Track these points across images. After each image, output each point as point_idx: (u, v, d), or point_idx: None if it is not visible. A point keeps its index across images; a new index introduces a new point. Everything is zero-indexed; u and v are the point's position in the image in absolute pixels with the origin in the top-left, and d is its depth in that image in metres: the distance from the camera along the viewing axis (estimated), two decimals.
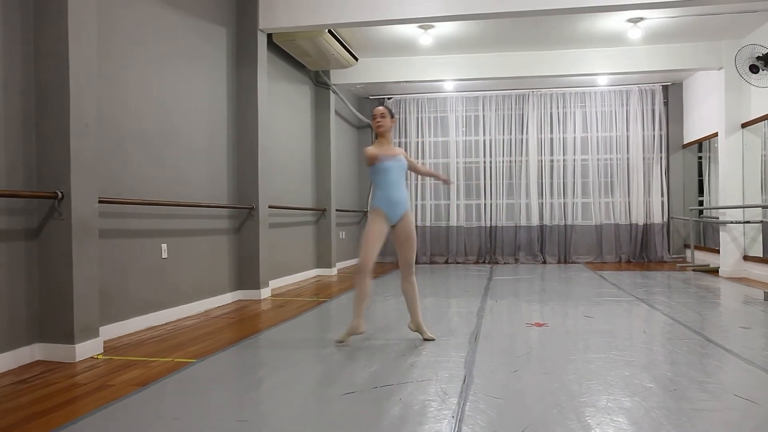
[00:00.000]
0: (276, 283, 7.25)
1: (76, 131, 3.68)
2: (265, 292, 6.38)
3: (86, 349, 3.71)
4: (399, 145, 11.10)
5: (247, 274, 6.28)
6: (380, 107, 4.12)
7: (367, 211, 11.13)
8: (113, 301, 4.32)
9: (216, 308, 5.67)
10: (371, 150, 4.06)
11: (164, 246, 4.96)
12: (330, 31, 7.04)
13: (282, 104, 7.57)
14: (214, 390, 2.98)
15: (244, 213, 6.27)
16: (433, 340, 4.08)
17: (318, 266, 8.87)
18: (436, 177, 4.58)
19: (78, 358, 3.63)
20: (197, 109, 5.53)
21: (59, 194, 3.61)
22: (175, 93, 5.18)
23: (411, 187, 11.00)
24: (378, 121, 4.09)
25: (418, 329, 4.13)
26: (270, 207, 6.76)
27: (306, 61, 7.92)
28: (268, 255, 6.60)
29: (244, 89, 6.29)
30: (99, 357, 3.73)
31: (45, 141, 3.65)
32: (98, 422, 2.54)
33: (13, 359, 3.48)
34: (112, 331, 4.28)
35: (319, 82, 8.84)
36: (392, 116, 4.17)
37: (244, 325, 4.83)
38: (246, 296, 6.26)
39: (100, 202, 3.99)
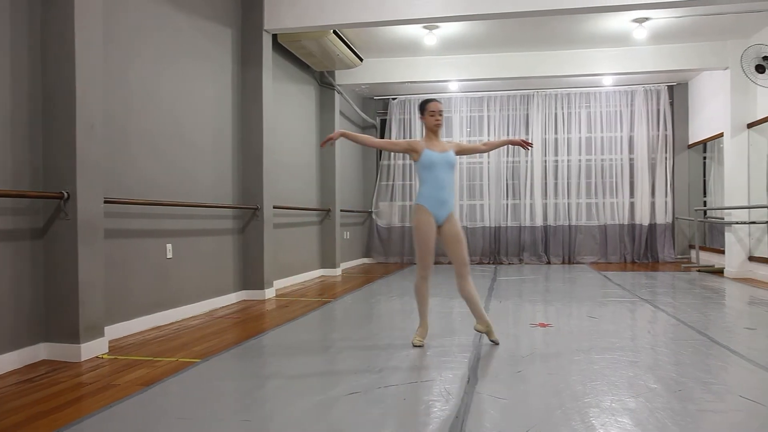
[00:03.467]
0: (280, 284, 7.26)
1: (82, 132, 3.69)
2: (269, 292, 6.39)
3: (91, 349, 3.73)
4: None
5: (251, 274, 6.29)
6: (439, 102, 3.93)
7: (371, 212, 11.14)
8: (118, 301, 4.34)
9: (221, 308, 5.68)
10: (419, 143, 3.90)
11: (169, 246, 4.98)
12: (335, 32, 7.04)
13: (287, 105, 7.59)
14: (219, 390, 2.99)
15: (248, 213, 6.28)
16: (497, 343, 3.92)
17: (322, 266, 8.88)
18: (511, 143, 4.18)
19: (83, 358, 3.64)
20: (202, 110, 5.55)
21: (65, 194, 3.63)
22: (180, 93, 5.19)
23: (415, 187, 11.01)
24: (438, 119, 3.89)
25: (487, 330, 3.96)
26: (274, 207, 6.77)
27: (311, 61, 7.93)
28: (273, 255, 6.61)
29: (249, 90, 6.31)
30: (104, 356, 3.75)
31: (51, 141, 3.67)
32: (103, 422, 2.55)
33: (19, 359, 3.49)
34: (117, 330, 4.29)
35: (324, 83, 8.86)
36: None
37: (248, 325, 4.84)
38: (250, 296, 6.28)
39: (105, 202, 4.00)
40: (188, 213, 5.28)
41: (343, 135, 3.88)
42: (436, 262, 10.74)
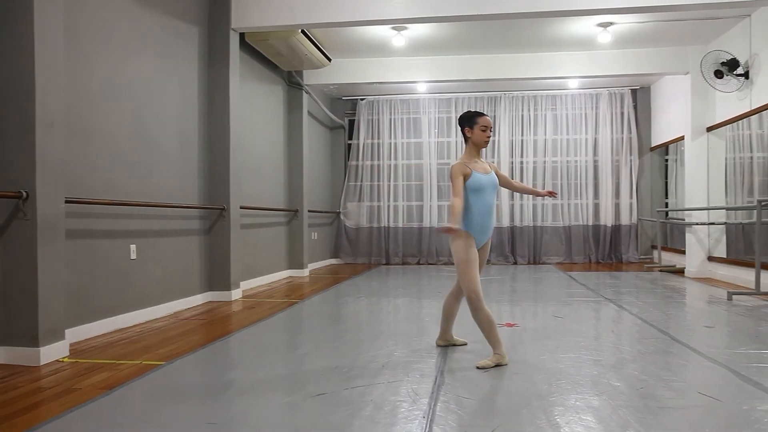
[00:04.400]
0: (247, 285, 7.20)
1: (42, 130, 3.60)
2: (236, 294, 6.32)
3: (51, 352, 3.64)
4: (372, 147, 11.11)
5: (217, 276, 6.22)
6: (488, 117, 3.63)
7: (339, 213, 11.11)
8: (80, 303, 4.24)
9: (186, 310, 5.60)
10: (463, 167, 3.48)
11: (133, 247, 4.89)
12: (303, 32, 7.01)
13: (254, 104, 7.52)
14: (184, 392, 2.94)
15: (215, 214, 6.21)
16: (465, 344, 3.94)
17: (290, 267, 8.83)
18: (536, 193, 3.95)
19: (43, 362, 3.55)
20: (168, 109, 5.46)
21: (24, 194, 3.53)
22: (145, 92, 5.11)
23: (383, 188, 11.02)
24: (489, 136, 3.58)
25: (449, 343, 3.94)
26: (242, 208, 6.70)
27: (279, 61, 7.88)
28: (240, 256, 6.54)
29: (215, 89, 6.23)
30: (65, 360, 3.66)
31: (8, 139, 3.57)
32: (63, 426, 2.49)
33: None
34: (78, 333, 4.20)
35: (292, 83, 8.81)
36: None
37: (214, 326, 4.78)
38: (217, 297, 6.20)
39: (66, 202, 3.91)
40: (153, 213, 5.19)
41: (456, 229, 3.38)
42: (405, 263, 10.77)
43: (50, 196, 3.67)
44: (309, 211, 9.32)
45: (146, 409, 2.71)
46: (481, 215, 3.50)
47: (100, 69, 4.52)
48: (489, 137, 3.59)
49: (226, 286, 6.21)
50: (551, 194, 3.89)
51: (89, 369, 3.44)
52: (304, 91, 8.89)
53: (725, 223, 7.83)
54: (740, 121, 7.44)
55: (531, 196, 10.63)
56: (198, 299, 5.96)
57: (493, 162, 3.45)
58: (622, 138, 10.61)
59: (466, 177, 3.48)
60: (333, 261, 11.15)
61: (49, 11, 3.68)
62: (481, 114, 3.59)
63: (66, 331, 3.87)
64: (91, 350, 3.92)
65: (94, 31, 4.47)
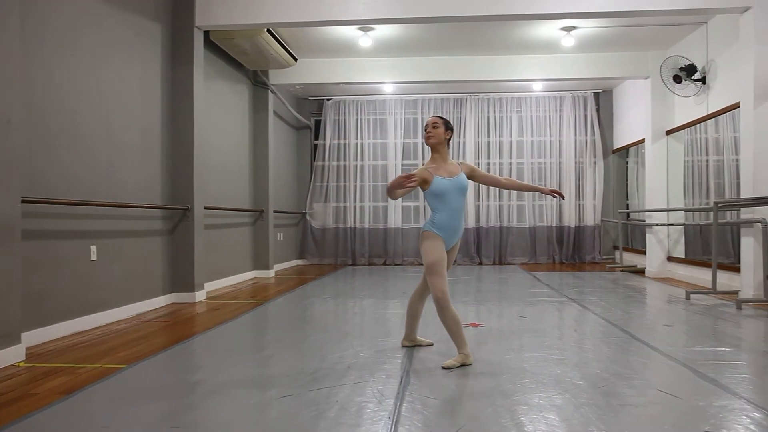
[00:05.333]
0: (212, 286, 7.10)
1: None
2: (200, 295, 6.24)
3: (6, 357, 3.53)
4: (338, 147, 11.08)
5: (181, 277, 6.12)
6: (435, 116, 3.58)
7: (305, 213, 11.06)
8: (37, 306, 4.13)
9: (148, 312, 5.50)
10: (423, 172, 3.47)
11: (93, 248, 4.78)
12: (269, 31, 6.96)
13: (219, 103, 7.43)
14: (146, 396, 2.89)
15: (178, 214, 6.11)
16: (431, 344, 3.96)
17: (255, 268, 8.74)
18: (540, 190, 3.77)
19: None
20: (130, 107, 5.36)
21: None
22: (106, 90, 5.00)
23: (349, 188, 11.01)
24: (428, 132, 3.54)
25: (415, 343, 3.93)
26: (206, 208, 6.62)
27: (244, 60, 7.80)
28: (204, 257, 6.46)
29: (179, 87, 6.14)
30: (20, 365, 3.56)
31: None
32: None
33: None
34: (35, 336, 4.09)
35: (258, 82, 8.73)
36: (448, 128, 3.59)
37: (177, 328, 4.70)
38: (180, 299, 6.11)
39: (23, 201, 3.81)
40: (114, 213, 5.09)
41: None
42: (371, 264, 10.77)
43: (5, 196, 3.57)
44: (275, 211, 9.25)
45: (107, 413, 2.65)
46: (449, 218, 3.50)
47: (60, 66, 4.41)
48: (428, 134, 3.55)
49: (190, 288, 6.12)
50: (555, 193, 3.74)
51: (47, 373, 3.35)
52: (269, 91, 8.82)
53: (684, 224, 8.04)
54: (698, 125, 7.64)
55: (502, 194, 10.76)
56: (161, 301, 5.86)
57: (462, 162, 3.37)
58: (585, 140, 10.79)
59: (427, 183, 3.48)
60: (299, 262, 11.09)
61: (4, 5, 3.57)
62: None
63: (22, 334, 3.77)
64: (49, 354, 3.82)
65: (54, 28, 4.35)
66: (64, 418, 2.59)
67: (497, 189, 10.77)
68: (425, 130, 3.58)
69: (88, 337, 4.35)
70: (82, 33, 4.69)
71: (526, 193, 10.78)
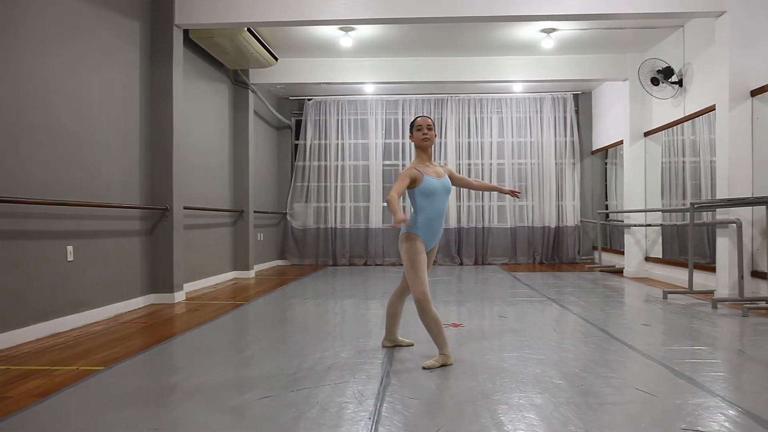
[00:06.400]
0: (191, 287, 7.04)
1: None
2: (179, 296, 6.18)
3: None
4: (319, 148, 11.05)
5: (160, 277, 6.06)
6: (427, 117, 3.58)
7: (286, 213, 11.01)
8: (11, 307, 4.06)
9: (127, 313, 5.44)
10: (413, 171, 3.46)
11: (70, 248, 4.71)
12: (249, 30, 6.92)
13: (199, 103, 7.37)
14: (124, 398, 2.85)
15: (157, 214, 6.05)
16: (411, 344, 3.95)
17: (235, 269, 8.69)
18: (499, 190, 3.93)
19: None
20: (107, 106, 5.29)
21: None
22: (83, 88, 4.93)
23: (330, 189, 10.99)
24: (425, 134, 3.52)
25: (395, 343, 3.93)
26: (185, 208, 6.56)
27: (224, 59, 7.75)
28: (183, 257, 6.40)
29: (158, 86, 6.08)
30: None
31: None
32: None
33: None
34: (9, 339, 4.02)
35: (238, 82, 8.68)
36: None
37: (156, 329, 4.66)
38: (159, 300, 6.05)
39: None
40: (92, 213, 5.02)
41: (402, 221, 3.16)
42: (352, 264, 10.75)
43: None
44: (255, 211, 9.20)
45: (83, 416, 2.61)
46: (432, 219, 3.49)
47: (36, 64, 4.34)
48: (425, 135, 3.52)
49: (169, 288, 6.07)
50: (514, 193, 3.90)
51: (21, 376, 3.29)
52: (250, 91, 8.77)
53: (661, 224, 8.14)
54: (675, 127, 7.74)
55: (483, 195, 10.80)
56: (139, 302, 5.80)
57: (445, 164, 3.36)
58: (565, 141, 10.88)
59: (417, 181, 3.46)
60: (279, 262, 11.04)
61: None
62: (419, 116, 3.61)
63: None
64: (24, 356, 3.76)
65: (28, 24, 4.29)
66: (39, 422, 2.55)
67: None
68: (423, 131, 3.53)
69: (64, 339, 4.29)
70: (57, 30, 4.62)
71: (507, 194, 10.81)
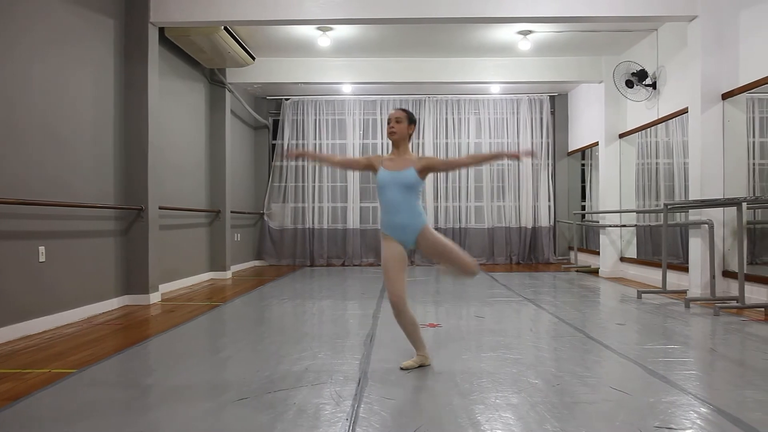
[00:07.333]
0: (167, 288, 6.96)
1: None
2: (154, 297, 6.11)
3: None
4: (296, 148, 11.00)
5: (135, 278, 5.98)
6: (397, 110, 3.46)
7: (263, 214, 10.95)
8: None
9: (100, 314, 5.36)
10: (375, 156, 3.48)
11: (42, 249, 4.63)
12: (226, 29, 6.86)
13: (175, 102, 7.29)
14: (97, 401, 2.81)
15: (132, 214, 5.97)
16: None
17: (212, 269, 8.61)
18: (501, 155, 3.65)
19: None
20: (80, 104, 5.21)
21: None
22: (55, 87, 4.85)
23: (308, 189, 10.95)
24: (391, 127, 3.42)
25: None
26: (161, 208, 6.49)
27: (201, 58, 7.68)
28: (159, 258, 6.33)
29: (133, 85, 6.00)
30: None
31: None
32: None
33: None
34: None
35: (215, 81, 8.60)
36: (411, 121, 3.46)
37: (131, 331, 4.60)
38: (134, 301, 5.97)
39: None
40: (64, 213, 4.94)
41: (302, 155, 3.37)
42: (330, 265, 10.72)
43: None
44: (232, 211, 9.13)
45: (55, 420, 2.57)
46: (385, 212, 3.41)
47: (5, 61, 4.25)
48: (390, 128, 3.43)
49: (144, 290, 5.99)
50: (515, 156, 3.48)
51: None
52: (227, 90, 8.70)
53: (636, 225, 8.25)
54: (649, 129, 7.86)
55: (460, 195, 10.85)
56: (114, 303, 5.72)
57: (424, 156, 3.28)
58: (542, 142, 10.98)
59: (373, 169, 3.48)
60: (256, 263, 10.97)
61: None
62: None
63: None
64: None
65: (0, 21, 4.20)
66: (9, 426, 2.50)
67: (456, 190, 10.88)
68: (388, 123, 3.46)
69: (36, 341, 4.21)
70: (28, 26, 4.54)
71: (484, 193, 10.90)
